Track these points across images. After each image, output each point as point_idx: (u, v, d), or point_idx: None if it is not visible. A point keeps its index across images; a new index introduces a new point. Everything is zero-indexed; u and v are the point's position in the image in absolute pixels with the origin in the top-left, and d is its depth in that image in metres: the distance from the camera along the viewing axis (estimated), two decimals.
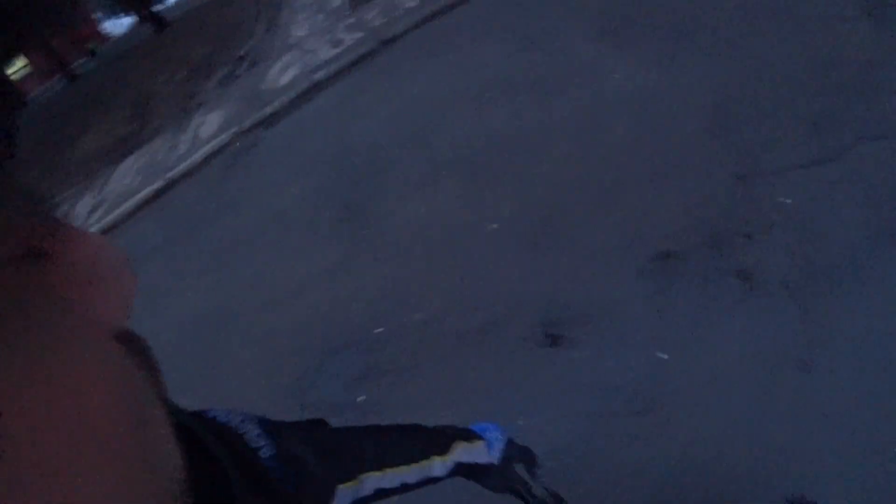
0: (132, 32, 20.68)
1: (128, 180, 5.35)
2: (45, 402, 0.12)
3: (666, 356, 1.93)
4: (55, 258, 0.15)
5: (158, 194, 4.66)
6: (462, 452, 0.70)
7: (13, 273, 0.13)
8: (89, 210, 5.30)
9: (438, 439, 0.69)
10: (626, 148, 2.58)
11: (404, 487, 0.61)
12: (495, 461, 0.75)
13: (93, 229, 4.19)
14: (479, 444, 0.74)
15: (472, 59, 3.52)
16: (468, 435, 0.74)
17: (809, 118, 2.54)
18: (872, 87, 2.60)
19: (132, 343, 0.19)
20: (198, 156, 4.72)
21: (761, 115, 2.60)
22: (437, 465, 0.66)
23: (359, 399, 2.30)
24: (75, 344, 0.15)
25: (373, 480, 0.56)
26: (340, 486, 0.50)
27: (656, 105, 2.78)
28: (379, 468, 0.57)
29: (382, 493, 0.58)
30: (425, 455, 0.64)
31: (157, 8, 16.26)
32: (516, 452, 0.80)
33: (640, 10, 3.45)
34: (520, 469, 0.80)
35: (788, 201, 2.24)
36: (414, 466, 0.62)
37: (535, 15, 3.75)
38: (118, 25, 24.60)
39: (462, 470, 0.71)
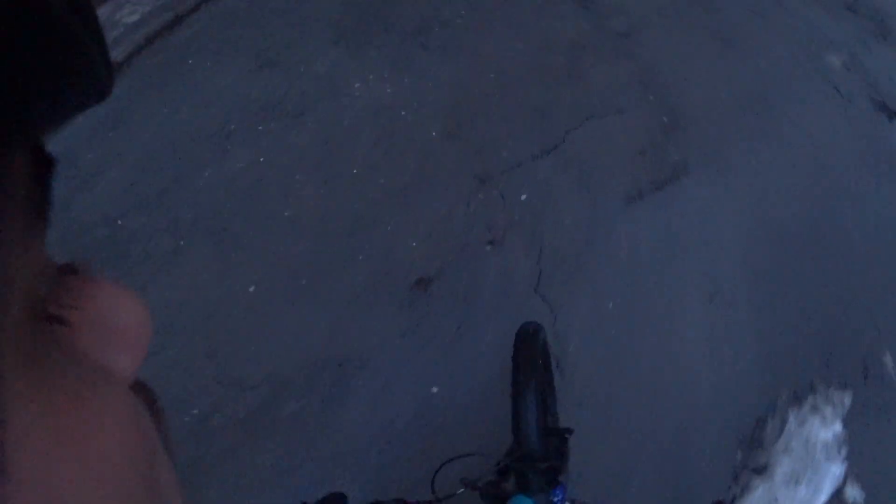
0: None
1: None
2: (61, 452, 0.13)
3: (435, 389, 1.95)
4: (73, 322, 0.16)
5: None
6: None
7: (31, 332, 0.13)
8: None
9: None
10: (368, 172, 2.49)
11: None
12: None
13: None
14: None
15: (206, 88, 3.12)
16: None
17: (532, 109, 2.68)
18: (579, 70, 2.84)
19: (144, 392, 0.20)
20: None
21: (492, 112, 2.68)
22: None
23: None
24: (91, 396, 0.15)
25: None
26: None
27: (395, 116, 2.71)
28: None
29: None
30: None
31: None
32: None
33: (374, 10, 3.34)
34: None
35: (524, 197, 2.37)
36: None
37: (270, 23, 3.43)
38: None
39: None
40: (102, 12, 4.50)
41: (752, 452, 1.64)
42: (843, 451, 1.65)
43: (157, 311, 2.38)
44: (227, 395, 2.15)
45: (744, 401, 1.79)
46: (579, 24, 3.04)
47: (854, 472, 1.62)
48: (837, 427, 1.68)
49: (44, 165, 0.14)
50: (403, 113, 2.70)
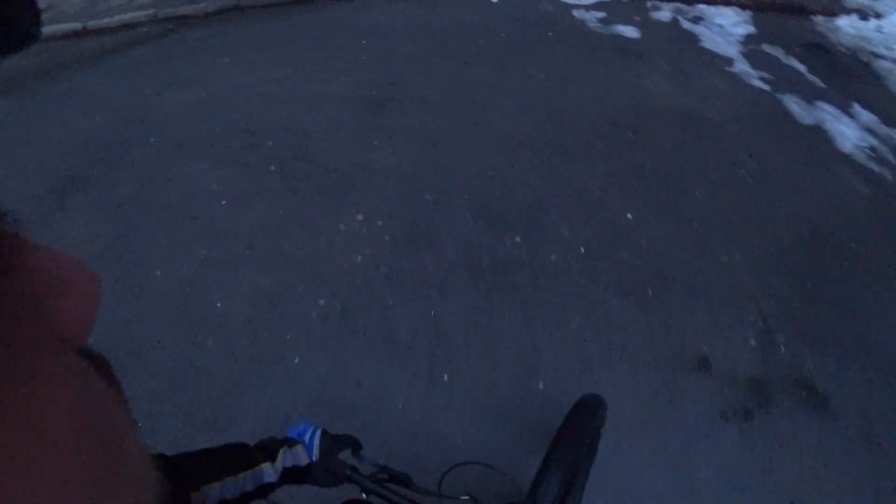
0: None
1: None
2: (9, 426, 0.12)
3: None
4: (12, 275, 0.14)
5: None
6: (287, 457, 0.74)
7: None
8: None
9: (266, 449, 0.73)
10: None
11: (244, 496, 0.65)
12: (313, 458, 0.78)
13: None
14: (298, 447, 0.77)
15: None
16: (290, 442, 0.77)
17: None
18: None
19: (94, 359, 0.18)
20: None
21: None
22: (268, 471, 0.70)
23: None
24: (34, 358, 0.14)
25: (214, 490, 0.60)
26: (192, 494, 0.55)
27: None
28: (218, 479, 0.61)
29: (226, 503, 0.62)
30: (255, 463, 0.68)
31: None
32: (334, 443, 0.81)
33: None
34: (346, 456, 0.82)
35: None
36: (248, 473, 0.66)
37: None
38: None
39: (290, 475, 0.74)
40: None
41: None
42: None
43: None
44: None
45: None
46: None
47: None
48: None
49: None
50: None
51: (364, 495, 0.79)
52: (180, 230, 2.42)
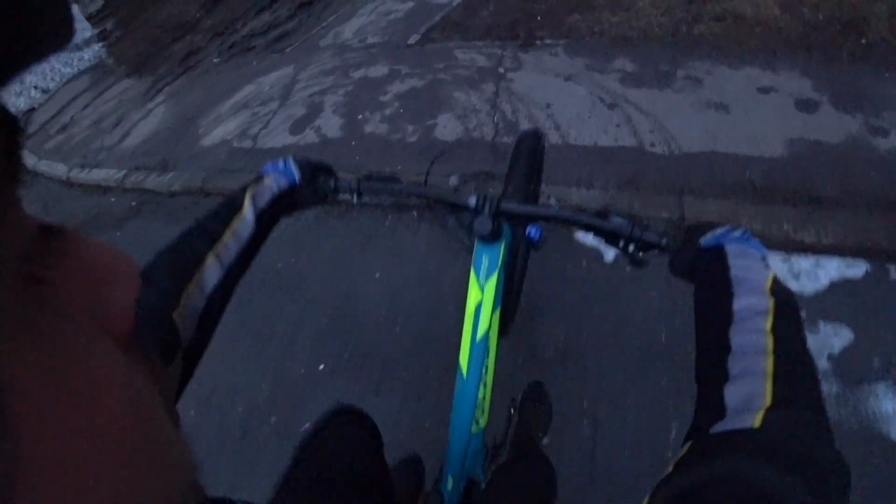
0: None
1: None
2: (57, 407, 0.12)
3: None
4: (66, 266, 0.15)
5: None
6: (255, 195, 0.67)
7: (21, 295, 0.13)
8: None
9: (231, 205, 0.66)
10: None
11: (231, 266, 0.59)
12: (297, 180, 0.74)
13: None
14: (269, 178, 0.72)
15: None
16: (257, 180, 0.72)
17: None
18: None
19: (139, 351, 0.19)
20: None
21: None
22: (241, 226, 0.64)
23: None
24: (87, 354, 0.15)
25: (194, 297, 0.54)
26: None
27: None
28: (204, 259, 0.57)
29: (221, 287, 0.57)
30: (227, 224, 0.63)
31: None
32: (312, 165, 0.77)
33: None
34: (323, 180, 0.78)
35: None
36: (223, 239, 0.60)
37: None
38: None
39: (270, 210, 0.68)
40: None
41: None
42: None
43: None
44: None
45: None
46: None
47: None
48: None
49: (7, 125, 0.13)
50: None
51: (355, 200, 0.78)
52: None
